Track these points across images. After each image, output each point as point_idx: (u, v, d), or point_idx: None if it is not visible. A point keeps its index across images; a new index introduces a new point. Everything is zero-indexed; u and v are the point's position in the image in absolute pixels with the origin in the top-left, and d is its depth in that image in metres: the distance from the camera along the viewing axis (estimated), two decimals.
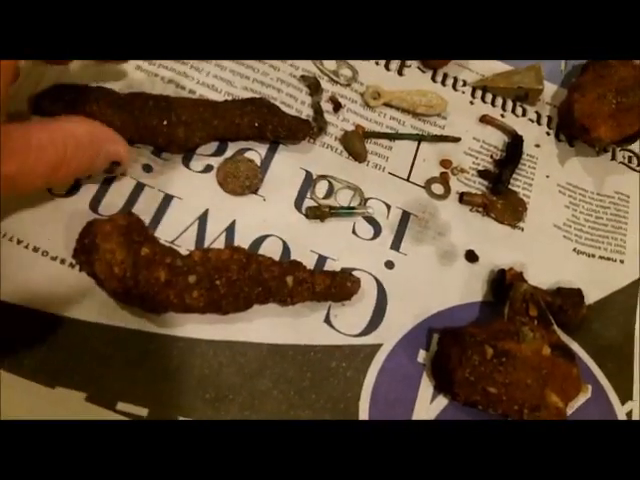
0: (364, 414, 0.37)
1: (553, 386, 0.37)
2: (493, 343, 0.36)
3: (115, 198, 0.39)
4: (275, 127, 0.41)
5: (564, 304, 0.41)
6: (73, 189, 0.38)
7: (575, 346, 0.41)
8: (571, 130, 0.48)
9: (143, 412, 0.34)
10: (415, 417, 0.37)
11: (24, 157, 0.30)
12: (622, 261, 0.45)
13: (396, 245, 0.42)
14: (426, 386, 0.38)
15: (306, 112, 0.45)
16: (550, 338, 0.38)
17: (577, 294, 0.41)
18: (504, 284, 0.41)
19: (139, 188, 0.39)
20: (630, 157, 0.50)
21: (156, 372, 0.35)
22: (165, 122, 0.38)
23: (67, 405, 0.33)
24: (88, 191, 0.38)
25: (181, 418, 0.34)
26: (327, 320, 0.38)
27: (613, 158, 0.50)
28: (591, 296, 0.43)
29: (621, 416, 0.39)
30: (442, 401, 0.38)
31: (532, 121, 0.50)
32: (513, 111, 0.50)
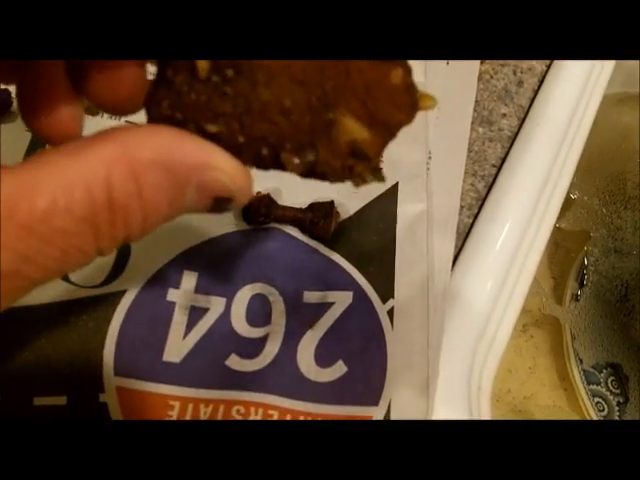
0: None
1: None
2: None
3: None
4: None
5: (315, 217, 0.41)
6: None
7: (336, 257, 0.41)
8: None
9: None
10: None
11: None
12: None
13: None
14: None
15: None
16: None
17: (327, 205, 0.41)
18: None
19: None
20: None
21: None
22: None
23: None
24: None
25: None
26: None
27: None
28: (350, 208, 0.43)
29: (382, 314, 0.39)
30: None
31: None
32: None
